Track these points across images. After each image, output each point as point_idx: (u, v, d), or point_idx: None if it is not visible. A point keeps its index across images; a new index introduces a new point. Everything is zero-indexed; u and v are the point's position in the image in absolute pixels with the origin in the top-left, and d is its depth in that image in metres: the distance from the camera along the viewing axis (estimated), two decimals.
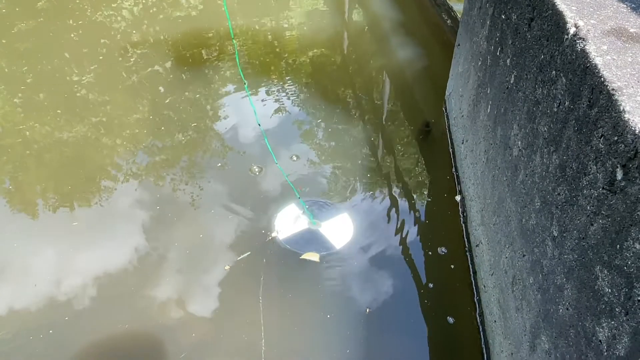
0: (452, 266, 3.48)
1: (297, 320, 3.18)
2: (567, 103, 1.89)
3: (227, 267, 3.48)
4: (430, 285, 3.37)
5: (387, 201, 4.04)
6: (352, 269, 3.50)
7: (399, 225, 3.82)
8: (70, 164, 4.42)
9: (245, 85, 4.58)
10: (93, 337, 3.10)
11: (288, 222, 3.79)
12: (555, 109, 2.00)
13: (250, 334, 3.09)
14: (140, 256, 3.61)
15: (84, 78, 5.51)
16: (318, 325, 3.15)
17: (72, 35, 6.33)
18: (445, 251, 3.58)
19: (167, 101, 5.16)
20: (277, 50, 6.20)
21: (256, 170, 4.28)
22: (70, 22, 6.59)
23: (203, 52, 6.03)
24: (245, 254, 3.55)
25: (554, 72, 2.04)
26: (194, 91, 5.33)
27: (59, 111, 5.02)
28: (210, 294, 3.35)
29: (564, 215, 1.88)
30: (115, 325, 3.14)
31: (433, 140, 4.69)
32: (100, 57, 5.88)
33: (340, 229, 3.75)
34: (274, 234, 3.67)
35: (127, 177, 4.29)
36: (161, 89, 5.35)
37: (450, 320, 3.15)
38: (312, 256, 3.52)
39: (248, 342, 3.05)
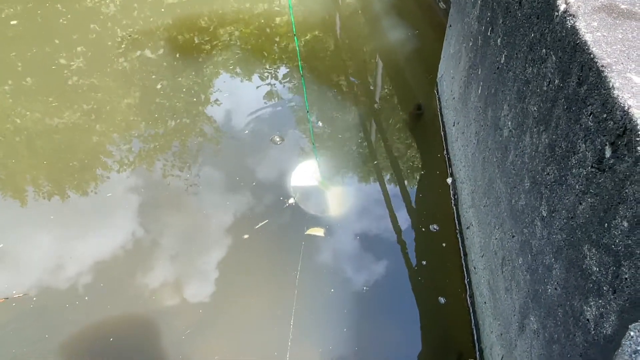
0: (444, 244, 3.49)
1: (303, 295, 3.23)
2: (556, 81, 1.86)
3: (246, 236, 3.54)
4: (424, 262, 3.39)
5: (379, 184, 4.03)
6: (341, 238, 3.60)
7: (391, 206, 3.82)
8: (62, 151, 4.37)
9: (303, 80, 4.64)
10: (112, 310, 3.22)
11: (304, 174, 4.01)
12: (545, 88, 1.97)
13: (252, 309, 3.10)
14: (162, 227, 3.69)
15: (74, 64, 5.43)
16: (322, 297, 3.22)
17: (62, 20, 6.23)
18: (437, 228, 3.59)
19: (158, 86, 5.10)
20: (269, 34, 6.12)
21: (277, 140, 4.40)
22: (59, 7, 6.48)
23: (195, 37, 5.95)
24: (263, 222, 3.62)
25: (544, 50, 2.01)
26: (188, 77, 5.27)
27: (49, 98, 4.95)
28: (228, 265, 3.44)
29: (553, 195, 1.87)
30: (132, 300, 3.25)
31: (425, 123, 4.66)
32: (90, 43, 5.79)
33: (342, 200, 3.87)
34: (291, 201, 3.75)
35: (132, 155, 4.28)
36: (153, 76, 5.29)
37: (442, 300, 3.16)
38: (317, 231, 3.59)
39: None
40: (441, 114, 4.51)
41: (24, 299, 3.24)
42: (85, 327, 3.09)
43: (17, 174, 4.19)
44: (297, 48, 4.17)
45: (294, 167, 4.15)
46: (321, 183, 3.90)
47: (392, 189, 4.00)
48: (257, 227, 3.59)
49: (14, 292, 3.28)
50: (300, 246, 3.46)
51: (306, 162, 4.13)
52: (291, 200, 3.75)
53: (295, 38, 4.29)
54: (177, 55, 5.59)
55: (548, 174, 1.92)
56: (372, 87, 5.30)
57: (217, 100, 5.04)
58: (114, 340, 3.03)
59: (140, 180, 4.10)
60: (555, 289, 1.83)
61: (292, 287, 3.23)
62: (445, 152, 4.18)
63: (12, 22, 6.07)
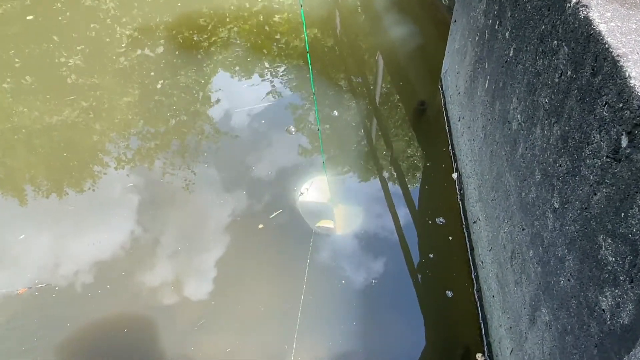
0: (450, 238, 3.50)
1: (312, 288, 3.27)
2: (569, 73, 1.86)
3: (260, 226, 3.60)
4: (431, 256, 3.41)
5: (384, 181, 4.03)
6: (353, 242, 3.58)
7: (397, 202, 3.82)
8: (62, 149, 4.35)
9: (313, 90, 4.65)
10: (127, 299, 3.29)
11: (314, 189, 3.97)
12: (557, 80, 1.97)
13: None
14: (180, 216, 3.76)
15: (73, 62, 5.41)
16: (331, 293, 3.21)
17: (61, 18, 6.20)
18: (444, 221, 3.60)
19: (158, 85, 5.08)
20: (268, 32, 6.10)
21: (292, 130, 4.48)
22: (59, 5, 6.45)
23: (195, 35, 5.93)
24: (277, 212, 3.69)
25: (555, 42, 2.00)
26: (187, 75, 5.26)
27: (48, 96, 4.93)
28: (240, 252, 3.51)
29: (566, 186, 1.87)
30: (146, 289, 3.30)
31: (428, 119, 4.65)
32: (90, 41, 5.77)
33: (350, 218, 3.79)
34: (303, 191, 3.81)
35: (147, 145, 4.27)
36: (152, 73, 5.27)
37: (449, 294, 3.16)
38: (327, 223, 3.62)
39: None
40: (446, 109, 4.50)
41: (46, 289, 3.26)
42: (106, 316, 3.14)
43: (15, 172, 4.18)
44: (310, 66, 4.15)
45: (304, 160, 4.16)
46: (330, 200, 3.87)
47: (397, 185, 4.00)
48: (271, 216, 3.64)
49: (37, 281, 3.31)
50: (310, 238, 3.50)
51: (314, 178, 4.08)
52: (303, 190, 3.80)
53: (308, 55, 4.31)
54: (177, 53, 5.57)
55: (560, 165, 1.92)
56: (373, 84, 5.29)
57: (244, 85, 5.08)
58: (128, 331, 3.06)
59: (153, 175, 4.15)
60: (569, 280, 1.83)
61: (302, 277, 3.28)
62: (450, 147, 4.18)
63: (29, 17, 6.07)
